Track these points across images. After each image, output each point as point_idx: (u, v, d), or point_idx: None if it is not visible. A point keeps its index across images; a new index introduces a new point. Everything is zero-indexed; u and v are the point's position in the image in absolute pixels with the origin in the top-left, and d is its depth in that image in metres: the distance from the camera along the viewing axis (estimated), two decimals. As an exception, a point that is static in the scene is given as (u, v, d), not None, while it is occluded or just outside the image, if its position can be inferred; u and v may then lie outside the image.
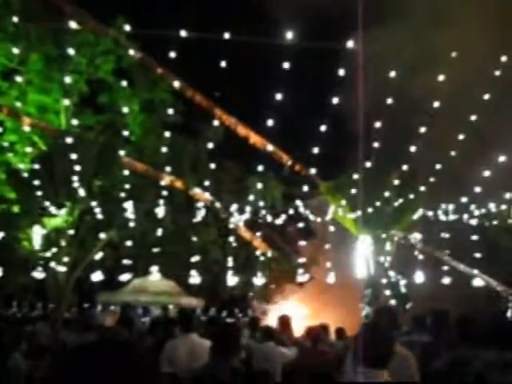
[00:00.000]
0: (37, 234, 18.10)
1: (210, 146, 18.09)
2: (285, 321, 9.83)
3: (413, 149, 15.75)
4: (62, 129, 18.83)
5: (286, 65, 12.23)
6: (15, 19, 16.34)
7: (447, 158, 15.76)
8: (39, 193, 17.11)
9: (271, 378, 4.98)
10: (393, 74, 14.33)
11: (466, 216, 18.18)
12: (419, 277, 16.55)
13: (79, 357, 1.70)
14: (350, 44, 12.63)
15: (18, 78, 18.01)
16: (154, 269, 19.92)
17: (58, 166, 17.48)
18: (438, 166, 16.23)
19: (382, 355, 3.62)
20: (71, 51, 16.70)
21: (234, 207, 18.60)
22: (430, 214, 18.08)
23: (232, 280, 18.69)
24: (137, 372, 1.66)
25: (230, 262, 18.91)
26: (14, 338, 8.96)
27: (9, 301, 28.45)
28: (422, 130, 15.50)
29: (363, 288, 16.98)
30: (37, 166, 17.60)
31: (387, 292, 17.30)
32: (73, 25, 13.87)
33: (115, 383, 1.62)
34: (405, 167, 16.75)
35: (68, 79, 17.84)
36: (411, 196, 17.20)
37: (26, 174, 17.92)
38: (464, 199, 17.39)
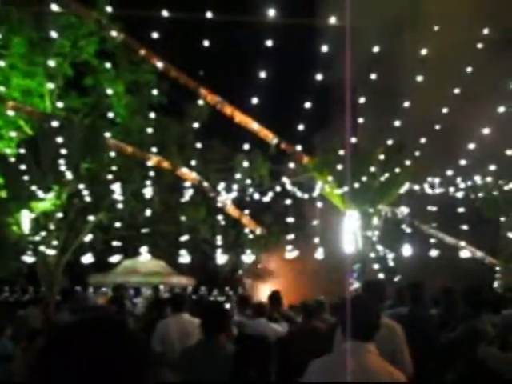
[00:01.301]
0: (25, 218, 18.12)
1: (196, 125, 18.11)
2: (276, 297, 9.87)
3: (398, 123, 15.82)
4: (47, 112, 18.75)
5: (269, 42, 12.24)
6: (-4, 3, 16.20)
7: (432, 131, 15.84)
8: (26, 177, 17.09)
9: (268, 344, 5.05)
10: (376, 48, 14.36)
11: (452, 189, 18.34)
12: (407, 250, 16.73)
13: (67, 334, 1.71)
14: (333, 20, 12.65)
15: (1, 63, 17.85)
16: (144, 249, 19.98)
17: (45, 149, 17.45)
18: (423, 140, 16.33)
19: (368, 327, 3.68)
20: (54, 34, 16.57)
21: (221, 186, 18.67)
22: (417, 187, 18.22)
23: (222, 258, 18.82)
24: (127, 347, 1.66)
25: (219, 240, 19.03)
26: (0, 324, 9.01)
27: (1, 286, 28.48)
28: (407, 104, 15.56)
29: (351, 263, 17.15)
30: (23, 151, 17.55)
31: (375, 266, 17.50)
32: (54, 7, 13.74)
33: (105, 359, 1.63)
34: (390, 142, 16.84)
35: (52, 62, 17.71)
36: (397, 170, 17.31)
37: (12, 159, 17.87)
38: (450, 172, 17.51)
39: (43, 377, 1.63)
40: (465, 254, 18.40)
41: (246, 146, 16.82)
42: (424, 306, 7.04)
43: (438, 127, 15.73)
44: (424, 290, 6.96)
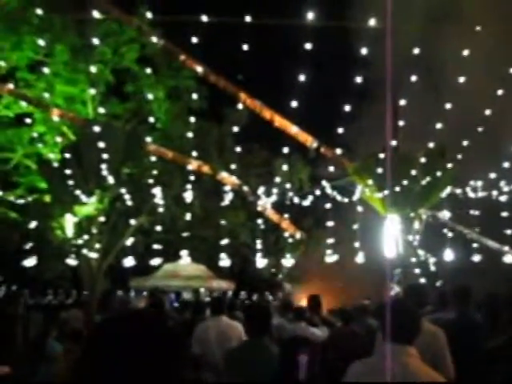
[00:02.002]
0: (69, 222, 18.45)
1: (236, 129, 18.17)
2: (315, 301, 9.82)
3: (439, 125, 15.59)
4: (90, 118, 19.07)
5: (308, 45, 12.19)
6: (39, 11, 16.50)
7: (475, 133, 15.58)
8: (70, 182, 17.40)
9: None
10: (417, 50, 14.18)
11: (495, 192, 17.99)
12: (448, 255, 16.47)
13: (106, 328, 1.75)
14: (373, 22, 12.55)
15: (45, 70, 18.24)
16: (184, 253, 20.11)
17: (87, 154, 17.74)
18: (465, 143, 16.06)
19: (408, 330, 3.64)
20: (96, 41, 16.84)
21: (261, 190, 18.69)
22: (459, 191, 17.93)
23: (261, 262, 18.81)
24: (163, 342, 1.68)
25: (259, 244, 19.03)
26: (45, 326, 9.16)
27: (45, 289, 29.02)
28: (449, 105, 15.33)
29: (392, 267, 16.96)
30: (66, 156, 17.88)
31: (416, 270, 17.27)
32: (96, 14, 13.97)
33: (142, 351, 1.66)
34: (432, 145, 16.61)
35: (94, 69, 18.02)
36: (439, 174, 17.06)
37: (56, 164, 18.22)
38: (493, 175, 17.18)
39: (88, 368, 1.67)
40: (508, 258, 18.00)
41: (286, 150, 16.80)
42: (472, 311, 6.91)
43: (480, 129, 15.45)
44: (472, 294, 6.84)
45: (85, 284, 19.15)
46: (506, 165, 15.99)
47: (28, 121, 19.08)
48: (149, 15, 14.70)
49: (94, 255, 18.33)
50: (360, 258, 16.59)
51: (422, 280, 16.75)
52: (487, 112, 15.19)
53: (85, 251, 18.13)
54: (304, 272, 21.57)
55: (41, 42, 17.67)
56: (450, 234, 17.85)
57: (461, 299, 6.75)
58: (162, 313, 8.20)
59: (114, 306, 9.66)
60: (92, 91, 18.96)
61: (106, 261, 18.94)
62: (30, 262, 17.26)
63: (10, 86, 18.38)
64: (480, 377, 5.70)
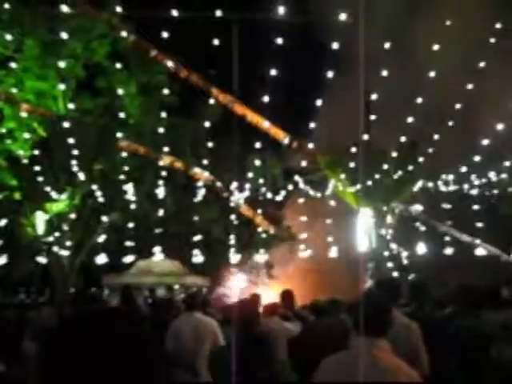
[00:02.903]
0: (40, 219, 18.22)
1: (208, 124, 18.10)
2: (288, 295, 9.82)
3: (411, 119, 15.69)
4: (60, 114, 18.84)
5: (279, 40, 12.20)
6: (7, 6, 16.23)
7: (445, 127, 15.71)
8: (40, 178, 17.18)
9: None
10: (387, 45, 14.26)
11: (466, 186, 18.17)
12: (421, 248, 16.61)
13: (68, 327, 1.70)
14: (344, 16, 12.59)
15: (15, 65, 17.98)
16: (157, 250, 20.01)
17: (58, 151, 17.53)
18: (436, 137, 16.19)
19: (378, 324, 3.65)
20: (65, 36, 16.64)
21: (234, 185, 18.65)
22: (431, 185, 18.07)
23: (235, 258, 18.80)
24: (129, 342, 1.64)
25: (232, 240, 19.00)
26: (18, 326, 9.04)
27: (16, 288, 28.65)
28: (419, 100, 15.44)
29: (365, 261, 17.05)
30: (37, 152, 17.65)
31: (389, 264, 17.38)
32: (65, 9, 13.81)
33: (105, 349, 1.62)
34: (403, 139, 16.71)
35: (64, 64, 17.81)
36: (411, 168, 17.18)
37: (26, 161, 17.98)
38: (464, 169, 17.35)
39: (49, 369, 1.63)
40: (480, 251, 18.22)
41: (258, 145, 16.78)
42: (426, 306, 7.00)
43: (451, 124, 15.59)
44: (428, 290, 6.98)
45: (56, 281, 18.95)
46: (477, 158, 16.15)
47: (-3, 117, 18.82)
48: (119, 9, 14.56)
49: (65, 253, 18.15)
50: (333, 253, 16.66)
51: (395, 274, 16.88)
52: (457, 106, 15.33)
53: (56, 249, 17.94)
54: (278, 267, 21.62)
55: (9, 37, 17.41)
56: (422, 228, 18.00)
57: (417, 294, 6.90)
58: (132, 310, 8.12)
59: (87, 304, 9.56)
60: (62, 86, 18.71)
61: (78, 258, 18.76)
62: (0, 260, 17.05)
63: (-22, 81, 18.12)
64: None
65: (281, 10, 11.71)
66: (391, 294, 5.80)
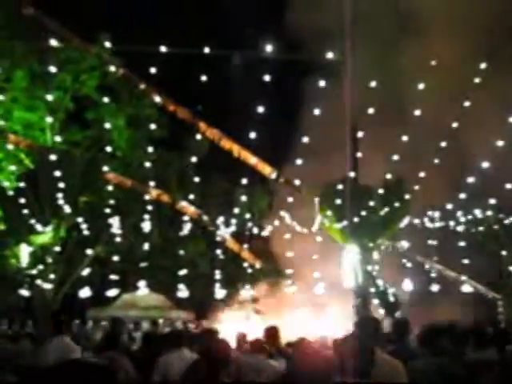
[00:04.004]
0: (24, 251, 18.05)
1: (195, 159, 18.12)
2: (273, 332, 9.71)
3: (396, 157, 15.76)
4: (48, 146, 18.82)
5: (267, 77, 12.29)
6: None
7: (431, 165, 15.78)
8: (25, 210, 17.07)
9: None
10: (373, 83, 14.37)
11: (452, 223, 18.22)
12: (407, 285, 16.56)
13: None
14: (330, 55, 12.70)
15: (2, 97, 17.98)
16: (142, 283, 19.85)
17: (44, 183, 17.46)
18: (422, 174, 16.25)
19: (361, 364, 3.64)
20: (53, 69, 16.71)
21: (220, 220, 18.61)
22: (417, 221, 18.10)
23: (220, 293, 18.66)
24: None
25: (218, 274, 18.88)
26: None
27: (-1, 319, 28.25)
28: (405, 138, 15.53)
29: (352, 298, 16.93)
30: (22, 184, 17.57)
31: (376, 301, 17.29)
32: (54, 43, 13.89)
33: None
34: (389, 176, 16.77)
35: (52, 96, 17.84)
36: (397, 204, 17.21)
37: (11, 192, 17.87)
38: (450, 206, 17.41)
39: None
40: (466, 288, 18.22)
41: (245, 181, 16.78)
42: (409, 342, 6.97)
43: (436, 161, 15.67)
44: (409, 327, 6.95)
45: (39, 314, 18.69)
46: (463, 196, 16.22)
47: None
48: (108, 44, 14.66)
49: (48, 286, 17.95)
50: (319, 289, 16.57)
51: (381, 311, 16.79)
52: (443, 144, 15.43)
53: (39, 281, 17.75)
54: (263, 302, 21.43)
55: (-1, 68, 17.49)
56: (408, 264, 17.99)
57: (399, 332, 6.88)
58: (116, 351, 7.94)
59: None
60: (50, 119, 18.72)
61: (61, 291, 18.56)
62: (-17, 292, 16.87)
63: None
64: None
65: (268, 47, 11.81)
66: (373, 333, 5.76)
